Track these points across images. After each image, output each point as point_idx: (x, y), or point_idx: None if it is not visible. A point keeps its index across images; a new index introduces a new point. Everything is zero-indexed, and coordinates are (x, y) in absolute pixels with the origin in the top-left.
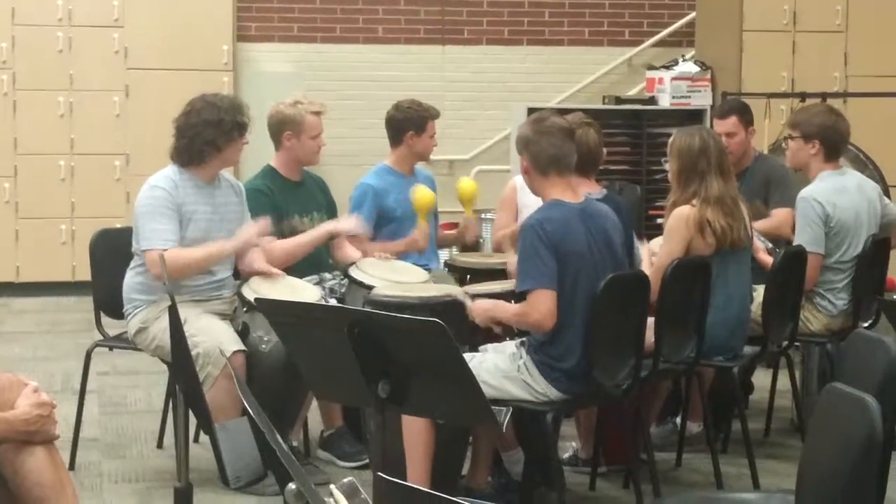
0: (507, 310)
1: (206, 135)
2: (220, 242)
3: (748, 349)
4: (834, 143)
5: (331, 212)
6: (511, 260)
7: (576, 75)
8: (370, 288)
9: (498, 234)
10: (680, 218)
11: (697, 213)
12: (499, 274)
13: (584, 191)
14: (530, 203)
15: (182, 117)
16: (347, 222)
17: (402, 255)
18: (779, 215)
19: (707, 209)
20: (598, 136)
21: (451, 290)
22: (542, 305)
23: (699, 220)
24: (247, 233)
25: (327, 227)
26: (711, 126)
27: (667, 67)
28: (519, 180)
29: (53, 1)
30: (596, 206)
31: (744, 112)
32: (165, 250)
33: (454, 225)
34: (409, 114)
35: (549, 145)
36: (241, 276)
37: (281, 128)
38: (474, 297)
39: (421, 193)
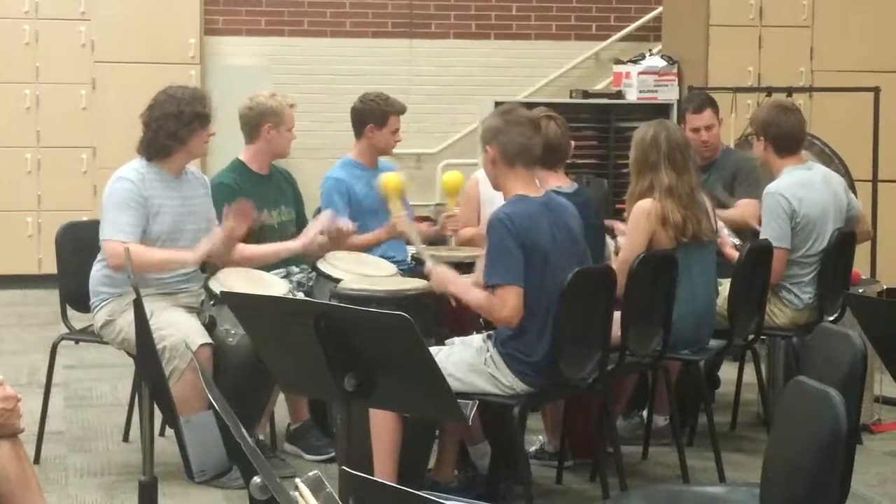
0: (474, 296)
1: (167, 127)
2: (184, 252)
3: (714, 343)
4: (776, 137)
5: (298, 204)
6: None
7: (543, 69)
8: (338, 281)
9: (463, 231)
10: (642, 211)
11: (659, 206)
12: (466, 268)
13: (553, 184)
14: (492, 197)
15: (146, 112)
16: (319, 223)
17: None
18: (744, 206)
19: (666, 202)
20: (560, 128)
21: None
22: (510, 301)
23: (661, 214)
24: (210, 243)
25: (300, 244)
26: (682, 120)
27: (634, 62)
28: (481, 174)
29: None
30: (557, 200)
31: (714, 104)
32: (124, 242)
33: (425, 218)
34: (371, 106)
35: (518, 135)
36: (208, 268)
37: (261, 120)
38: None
39: (388, 177)
